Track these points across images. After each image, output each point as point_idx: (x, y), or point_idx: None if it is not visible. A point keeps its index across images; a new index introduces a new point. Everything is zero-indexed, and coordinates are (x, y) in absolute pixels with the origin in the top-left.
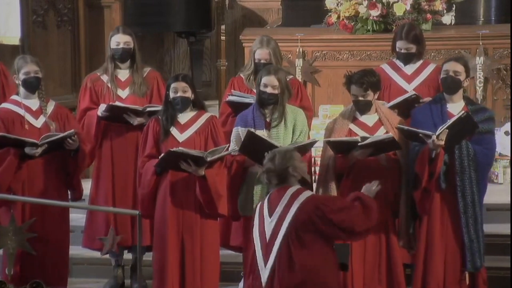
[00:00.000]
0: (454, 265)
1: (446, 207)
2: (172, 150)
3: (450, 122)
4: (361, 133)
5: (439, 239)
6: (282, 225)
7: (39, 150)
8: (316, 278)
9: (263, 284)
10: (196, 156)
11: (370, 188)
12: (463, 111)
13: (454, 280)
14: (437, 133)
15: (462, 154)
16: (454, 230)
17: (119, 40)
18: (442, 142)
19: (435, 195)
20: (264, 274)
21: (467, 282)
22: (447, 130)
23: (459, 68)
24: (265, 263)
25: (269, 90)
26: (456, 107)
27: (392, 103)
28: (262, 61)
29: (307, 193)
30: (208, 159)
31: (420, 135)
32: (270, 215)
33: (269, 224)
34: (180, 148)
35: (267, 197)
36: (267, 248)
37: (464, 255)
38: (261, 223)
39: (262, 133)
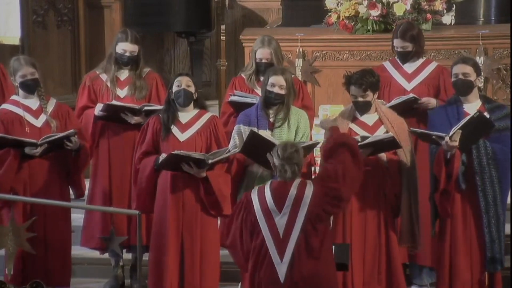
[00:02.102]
0: (476, 266)
1: (468, 208)
2: (174, 153)
3: (462, 122)
4: (361, 132)
5: (463, 240)
6: (296, 220)
7: (39, 150)
8: (328, 265)
9: (282, 279)
10: (197, 158)
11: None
12: (476, 111)
13: (475, 281)
14: (450, 134)
15: (480, 153)
16: (477, 230)
17: (126, 49)
18: (456, 143)
19: (456, 196)
20: (281, 268)
21: (486, 282)
22: (460, 131)
23: (468, 69)
24: (281, 258)
25: (276, 90)
26: (472, 107)
27: (390, 104)
28: (263, 61)
29: (310, 184)
30: (210, 161)
31: (433, 136)
32: (279, 210)
33: (280, 220)
34: (182, 151)
35: (268, 191)
36: (281, 244)
37: (484, 255)
38: (269, 219)
39: (265, 133)
